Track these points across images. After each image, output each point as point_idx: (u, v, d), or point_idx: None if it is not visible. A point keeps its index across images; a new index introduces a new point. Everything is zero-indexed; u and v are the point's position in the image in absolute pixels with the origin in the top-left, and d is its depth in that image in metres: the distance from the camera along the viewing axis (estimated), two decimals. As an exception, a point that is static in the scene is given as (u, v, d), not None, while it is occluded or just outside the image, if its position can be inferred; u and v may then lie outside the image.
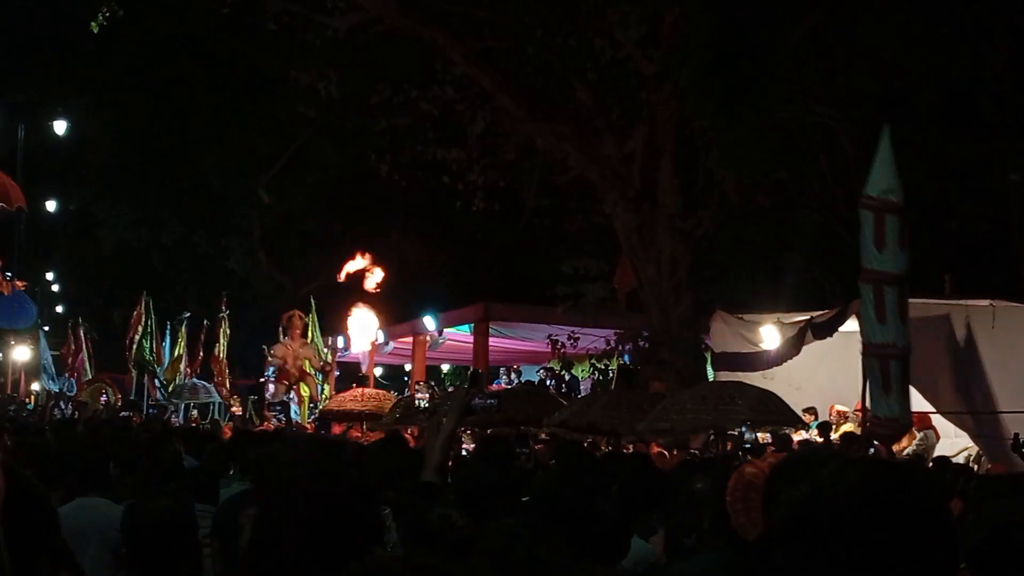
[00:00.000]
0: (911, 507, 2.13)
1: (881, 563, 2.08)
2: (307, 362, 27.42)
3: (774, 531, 2.21)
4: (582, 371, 26.56)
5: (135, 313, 33.43)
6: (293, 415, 24.42)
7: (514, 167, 22.91)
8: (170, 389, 32.24)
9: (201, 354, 32.58)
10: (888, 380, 12.55)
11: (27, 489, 2.65)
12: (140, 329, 33.12)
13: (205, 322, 32.57)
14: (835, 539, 2.10)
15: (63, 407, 28.64)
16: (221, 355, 31.30)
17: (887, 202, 12.48)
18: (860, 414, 17.59)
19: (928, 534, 2.12)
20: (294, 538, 2.70)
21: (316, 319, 28.52)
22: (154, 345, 33.29)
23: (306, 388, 26.91)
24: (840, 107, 20.35)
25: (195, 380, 31.89)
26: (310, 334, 28.03)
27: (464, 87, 21.84)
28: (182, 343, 32.66)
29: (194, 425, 23.76)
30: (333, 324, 29.19)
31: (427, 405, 19.60)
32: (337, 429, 20.75)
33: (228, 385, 31.53)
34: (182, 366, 32.63)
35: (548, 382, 25.16)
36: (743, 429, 12.59)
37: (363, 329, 26.38)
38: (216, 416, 28.26)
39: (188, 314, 33.30)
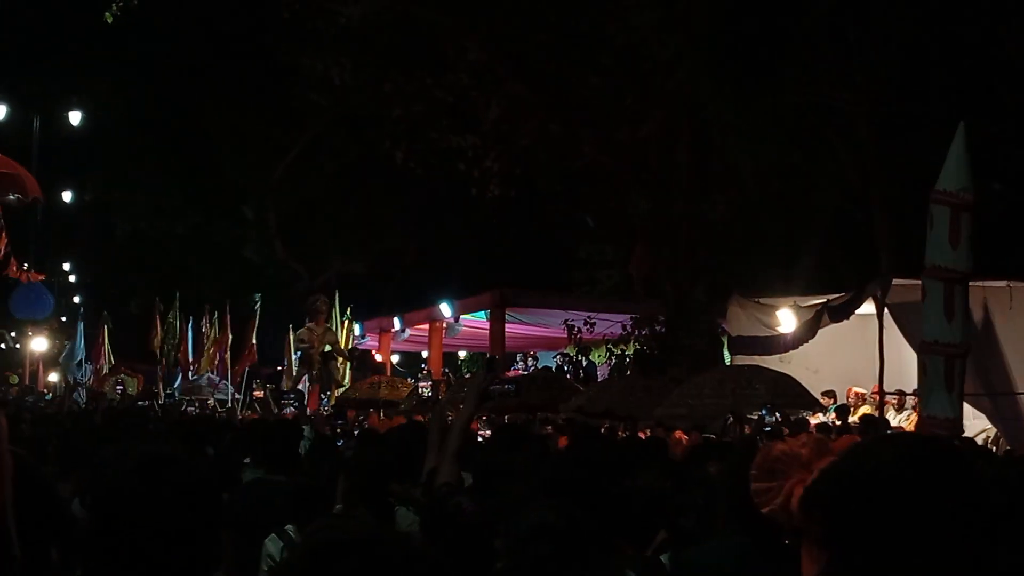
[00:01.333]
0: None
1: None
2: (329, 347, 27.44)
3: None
4: (599, 356, 26.52)
5: (155, 316, 33.53)
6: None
7: (529, 153, 22.90)
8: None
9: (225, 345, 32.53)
10: (953, 380, 12.45)
11: (37, 479, 2.67)
12: (159, 327, 33.26)
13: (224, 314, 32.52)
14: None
15: (79, 397, 28.74)
16: (254, 346, 31.25)
17: (964, 199, 12.37)
18: (877, 397, 17.60)
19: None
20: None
21: (339, 307, 28.50)
22: (177, 338, 33.33)
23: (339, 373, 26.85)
24: (855, 91, 20.28)
25: (209, 375, 31.87)
26: (334, 322, 28.03)
27: (478, 74, 21.82)
28: (213, 333, 32.50)
29: (211, 414, 23.79)
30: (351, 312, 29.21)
31: (430, 394, 19.68)
32: (352, 415, 20.81)
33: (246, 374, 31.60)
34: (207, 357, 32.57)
35: (565, 368, 25.15)
36: (763, 412, 12.58)
37: None
38: (231, 405, 28.22)
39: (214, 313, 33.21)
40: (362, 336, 28.86)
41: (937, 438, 2.36)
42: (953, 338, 12.50)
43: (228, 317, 31.61)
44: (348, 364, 26.87)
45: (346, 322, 28.26)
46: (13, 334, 42.07)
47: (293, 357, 27.92)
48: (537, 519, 3.90)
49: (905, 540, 2.13)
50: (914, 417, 17.19)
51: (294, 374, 27.18)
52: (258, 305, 31.54)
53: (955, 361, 12.51)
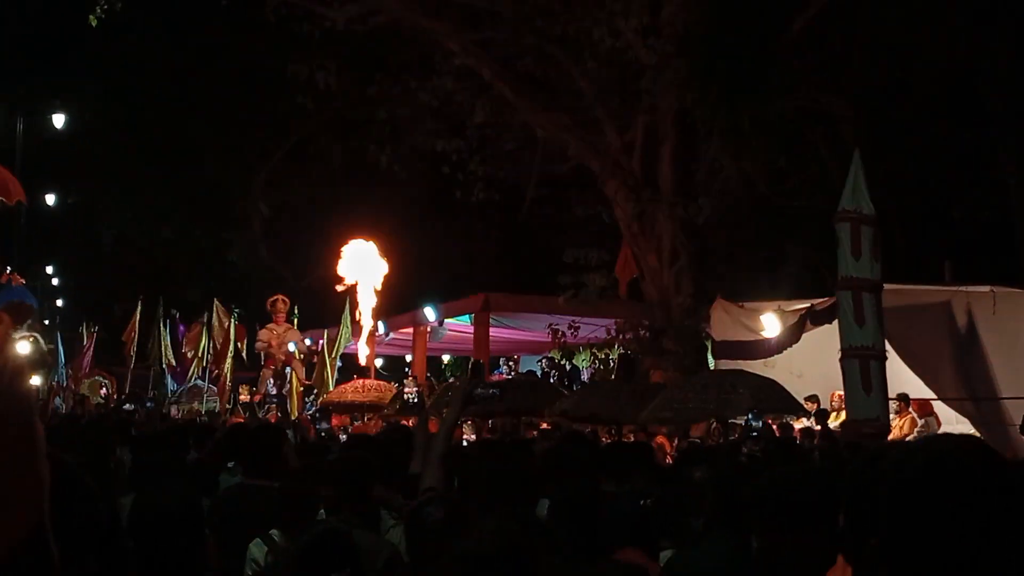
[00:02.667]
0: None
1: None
2: (292, 345, 27.41)
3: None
4: (583, 361, 26.55)
5: (133, 316, 33.47)
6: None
7: (514, 157, 22.92)
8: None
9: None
10: (869, 380, 13.08)
11: (77, 485, 2.65)
12: (138, 330, 33.16)
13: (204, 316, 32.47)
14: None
15: (60, 402, 28.68)
16: (230, 352, 31.28)
17: (862, 214, 13.34)
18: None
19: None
20: None
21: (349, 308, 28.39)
22: (163, 343, 33.30)
23: (295, 375, 26.83)
24: (841, 95, 20.33)
25: (197, 382, 31.83)
26: (344, 321, 27.97)
27: (463, 77, 21.84)
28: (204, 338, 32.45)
29: (193, 419, 23.72)
30: (335, 316, 29.12)
31: (415, 400, 19.66)
32: (336, 420, 20.78)
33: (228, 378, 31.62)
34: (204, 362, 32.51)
35: (549, 372, 25.15)
36: (749, 417, 12.64)
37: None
38: (216, 410, 28.15)
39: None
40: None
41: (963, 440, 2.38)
42: (865, 342, 13.22)
43: (218, 320, 31.57)
44: (332, 368, 26.88)
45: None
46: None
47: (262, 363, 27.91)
48: (468, 547, 3.63)
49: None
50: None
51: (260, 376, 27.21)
52: (235, 313, 31.48)
53: (869, 363, 13.13)
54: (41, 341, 31.64)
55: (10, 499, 1.91)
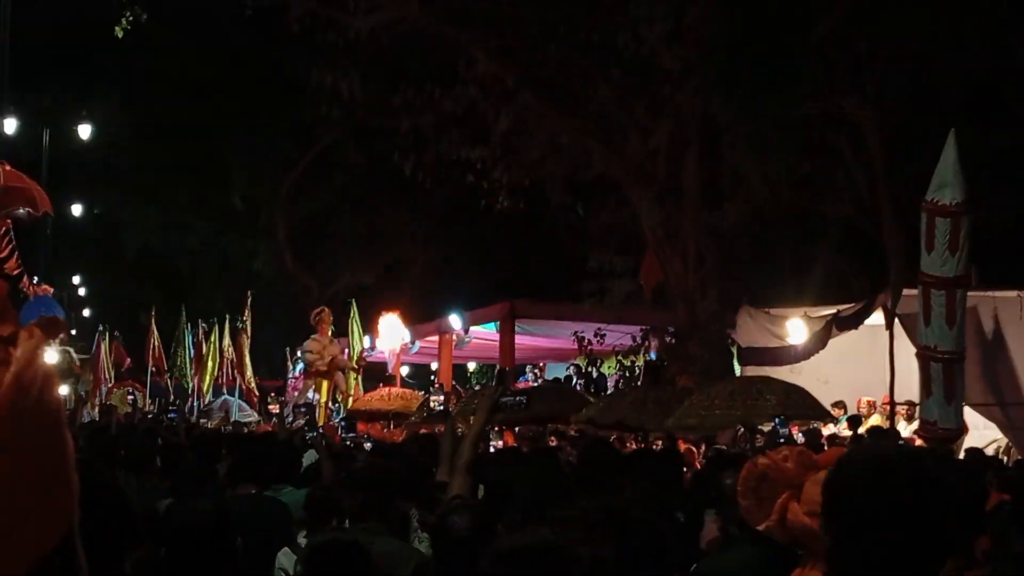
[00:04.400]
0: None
1: None
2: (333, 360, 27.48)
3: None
4: (609, 368, 26.50)
5: (150, 327, 33.76)
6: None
7: (538, 165, 22.91)
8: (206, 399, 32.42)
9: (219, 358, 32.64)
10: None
11: (109, 489, 2.68)
12: (158, 340, 33.45)
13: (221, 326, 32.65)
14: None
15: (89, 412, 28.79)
16: (246, 360, 31.42)
17: (938, 204, 12.49)
18: (888, 407, 17.55)
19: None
20: None
21: (359, 319, 28.49)
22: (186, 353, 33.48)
23: (325, 387, 26.90)
24: (865, 100, 20.26)
25: (226, 397, 31.94)
26: (353, 334, 28.07)
27: (487, 85, 21.84)
28: (213, 349, 32.64)
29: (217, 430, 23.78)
30: (361, 324, 29.21)
31: (441, 408, 19.65)
32: (362, 428, 20.78)
33: (254, 387, 31.74)
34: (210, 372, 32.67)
35: (575, 380, 25.10)
36: (776, 423, 12.57)
37: (391, 335, 26.52)
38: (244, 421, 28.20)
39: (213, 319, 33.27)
40: (371, 349, 28.81)
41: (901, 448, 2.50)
42: (928, 341, 12.69)
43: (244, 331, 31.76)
44: (356, 375, 26.95)
45: (357, 332, 28.23)
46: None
47: (292, 370, 27.97)
48: (515, 542, 3.36)
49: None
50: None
51: (301, 387, 27.25)
52: (247, 321, 31.63)
53: (928, 364, 12.65)
54: (73, 353, 31.82)
55: (41, 510, 1.92)
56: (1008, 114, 21.19)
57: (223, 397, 31.86)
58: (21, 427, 1.90)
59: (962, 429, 13.65)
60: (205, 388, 32.63)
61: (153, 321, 33.56)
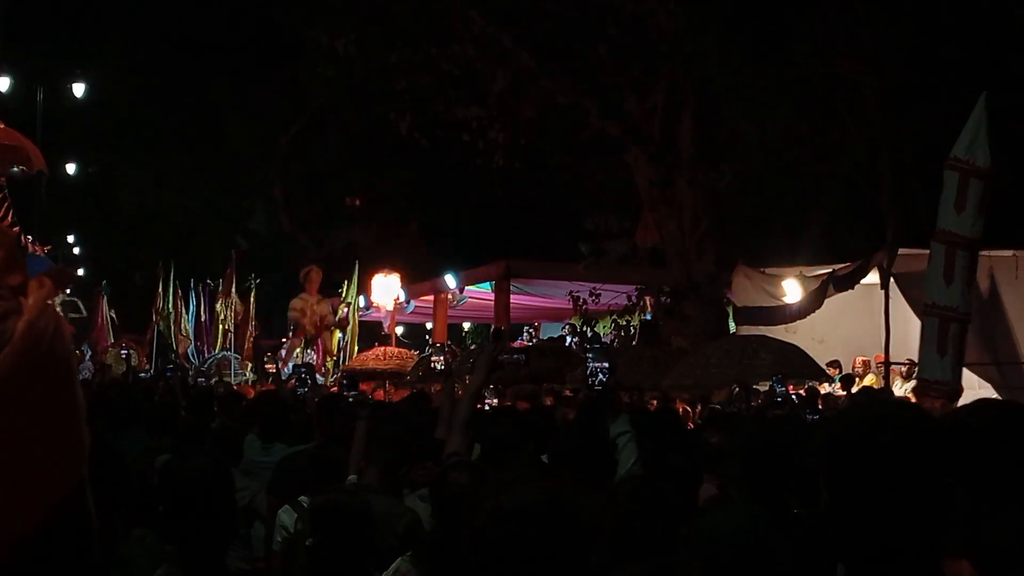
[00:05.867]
0: None
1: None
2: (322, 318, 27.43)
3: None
4: (604, 327, 26.53)
5: (158, 285, 33.54)
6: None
7: (534, 124, 22.85)
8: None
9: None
10: (945, 342, 12.55)
11: (105, 447, 2.69)
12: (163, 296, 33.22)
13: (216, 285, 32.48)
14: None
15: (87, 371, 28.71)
16: (251, 321, 31.30)
17: (975, 166, 12.47)
18: (882, 366, 17.61)
19: None
20: None
21: (357, 280, 28.41)
22: (176, 313, 33.28)
23: (324, 345, 26.87)
24: (864, 61, 20.20)
25: (225, 353, 31.90)
26: (347, 294, 28.00)
27: (484, 45, 21.75)
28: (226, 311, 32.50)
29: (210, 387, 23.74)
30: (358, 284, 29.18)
31: (442, 367, 19.69)
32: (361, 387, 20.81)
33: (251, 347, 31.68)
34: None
35: (570, 340, 25.13)
36: (773, 382, 12.60)
37: (386, 293, 26.45)
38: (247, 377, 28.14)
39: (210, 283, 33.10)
40: (367, 308, 28.81)
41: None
42: (950, 302, 12.62)
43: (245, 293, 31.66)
44: (341, 334, 26.94)
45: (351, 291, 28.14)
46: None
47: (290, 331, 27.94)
48: (504, 501, 3.07)
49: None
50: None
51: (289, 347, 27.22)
52: (254, 283, 31.48)
53: (949, 324, 12.61)
54: (81, 306, 31.81)
55: (53, 458, 1.94)
56: (1006, 73, 21.13)
57: (222, 353, 31.82)
58: (34, 375, 1.90)
59: (961, 389, 13.67)
60: (216, 348, 32.50)
61: (161, 280, 33.39)
